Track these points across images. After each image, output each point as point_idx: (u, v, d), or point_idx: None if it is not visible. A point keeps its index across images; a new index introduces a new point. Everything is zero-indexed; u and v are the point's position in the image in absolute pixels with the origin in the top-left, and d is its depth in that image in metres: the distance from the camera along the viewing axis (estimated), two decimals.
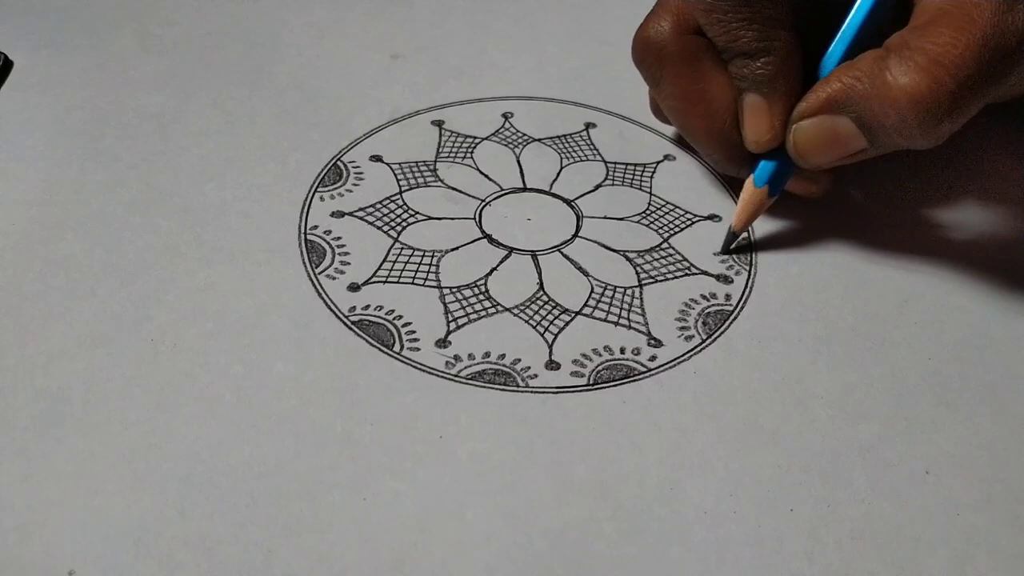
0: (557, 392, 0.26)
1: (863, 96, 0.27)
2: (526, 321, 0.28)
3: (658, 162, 0.35)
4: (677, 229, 0.32)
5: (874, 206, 0.33)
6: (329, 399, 0.25)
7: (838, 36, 0.29)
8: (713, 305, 0.29)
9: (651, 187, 0.33)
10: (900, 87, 0.26)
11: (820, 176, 0.31)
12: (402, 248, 0.30)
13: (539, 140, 0.35)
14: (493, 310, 0.28)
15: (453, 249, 0.30)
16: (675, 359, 0.27)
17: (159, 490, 0.23)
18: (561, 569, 0.22)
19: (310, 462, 0.24)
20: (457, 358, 0.27)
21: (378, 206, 0.32)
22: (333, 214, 0.31)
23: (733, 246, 0.31)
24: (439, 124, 0.35)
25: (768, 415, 0.26)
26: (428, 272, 0.29)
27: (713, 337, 0.28)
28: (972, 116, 0.27)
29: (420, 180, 0.33)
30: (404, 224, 0.31)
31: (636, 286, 0.29)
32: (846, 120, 0.28)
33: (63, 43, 0.38)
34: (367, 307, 0.28)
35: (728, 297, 0.29)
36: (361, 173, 0.33)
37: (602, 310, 0.29)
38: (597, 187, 0.33)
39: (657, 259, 0.30)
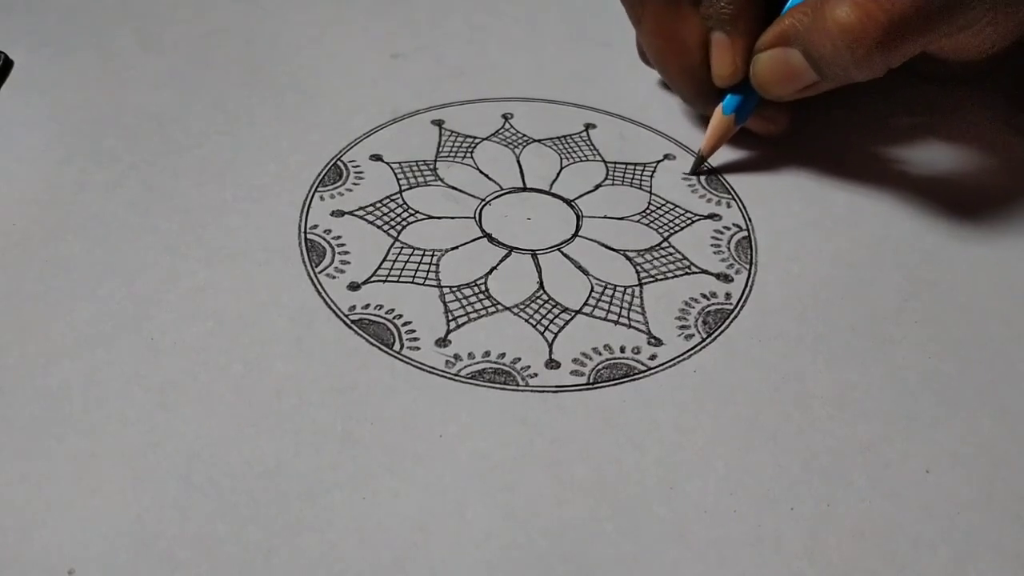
0: (557, 391, 0.26)
1: (807, 30, 0.30)
2: (526, 320, 0.28)
3: (658, 161, 0.34)
4: (677, 228, 0.32)
5: (875, 205, 0.33)
6: (329, 399, 0.25)
7: None
8: (713, 304, 0.29)
9: (651, 186, 0.33)
10: (834, 19, 0.28)
11: (778, 115, 0.34)
12: (402, 247, 0.30)
13: (539, 141, 0.35)
14: (493, 309, 0.28)
15: (453, 248, 0.30)
16: (675, 358, 0.27)
17: (159, 490, 0.23)
18: (561, 569, 0.22)
19: (310, 462, 0.24)
20: (457, 357, 0.27)
21: (378, 205, 0.32)
22: (333, 213, 0.31)
23: (699, 169, 0.34)
24: (439, 124, 0.35)
25: (768, 415, 0.26)
26: (428, 271, 0.29)
27: (713, 336, 0.28)
28: (910, 55, 0.29)
29: (420, 179, 0.33)
30: (404, 223, 0.31)
31: (636, 285, 0.29)
32: (796, 53, 0.30)
33: (63, 43, 0.38)
34: (367, 306, 0.28)
35: (728, 296, 0.29)
36: (361, 172, 0.33)
37: (602, 309, 0.29)
38: (597, 187, 0.33)
39: (657, 258, 0.30)
